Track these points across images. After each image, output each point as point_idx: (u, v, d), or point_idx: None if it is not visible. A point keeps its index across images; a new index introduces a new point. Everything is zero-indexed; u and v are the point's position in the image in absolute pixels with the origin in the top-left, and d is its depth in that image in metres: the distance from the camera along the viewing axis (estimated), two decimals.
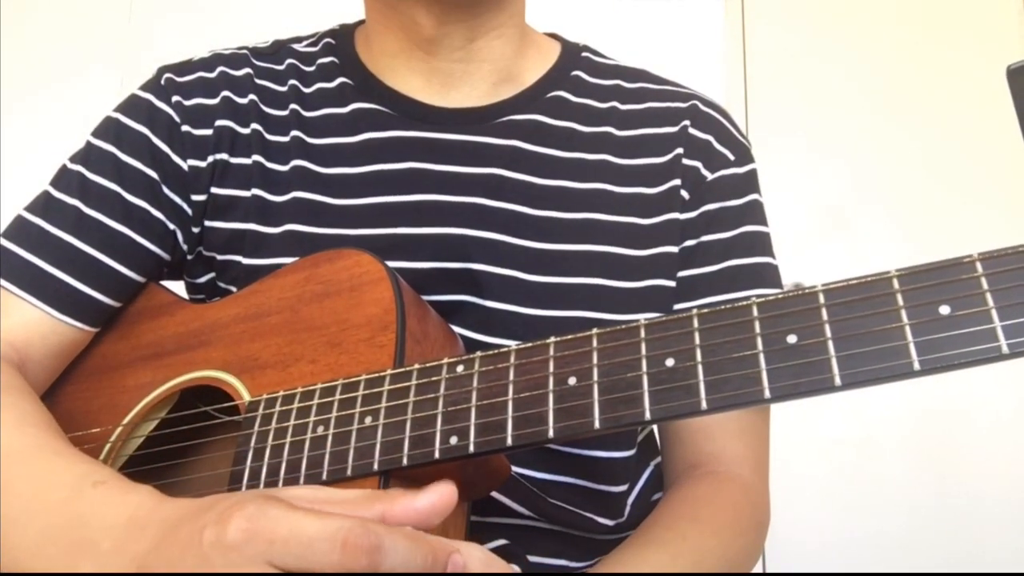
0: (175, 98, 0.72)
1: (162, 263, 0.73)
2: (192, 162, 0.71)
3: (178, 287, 0.74)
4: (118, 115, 0.73)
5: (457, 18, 0.70)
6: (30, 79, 1.98)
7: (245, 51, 0.76)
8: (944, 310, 0.42)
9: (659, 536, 0.63)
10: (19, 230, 0.70)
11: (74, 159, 0.73)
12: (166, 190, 0.71)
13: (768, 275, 0.72)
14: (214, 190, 0.71)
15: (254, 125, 0.72)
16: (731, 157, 0.74)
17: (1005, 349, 0.41)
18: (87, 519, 0.48)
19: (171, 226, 0.72)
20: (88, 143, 0.73)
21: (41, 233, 0.69)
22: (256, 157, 0.71)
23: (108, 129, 0.73)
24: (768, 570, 1.58)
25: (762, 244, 0.73)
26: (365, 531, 0.40)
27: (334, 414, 0.55)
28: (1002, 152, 1.65)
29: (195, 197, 0.71)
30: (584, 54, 0.78)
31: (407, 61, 0.73)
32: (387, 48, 0.74)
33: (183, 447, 0.67)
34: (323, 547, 0.39)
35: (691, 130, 0.73)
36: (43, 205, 0.71)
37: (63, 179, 0.72)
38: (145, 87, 0.74)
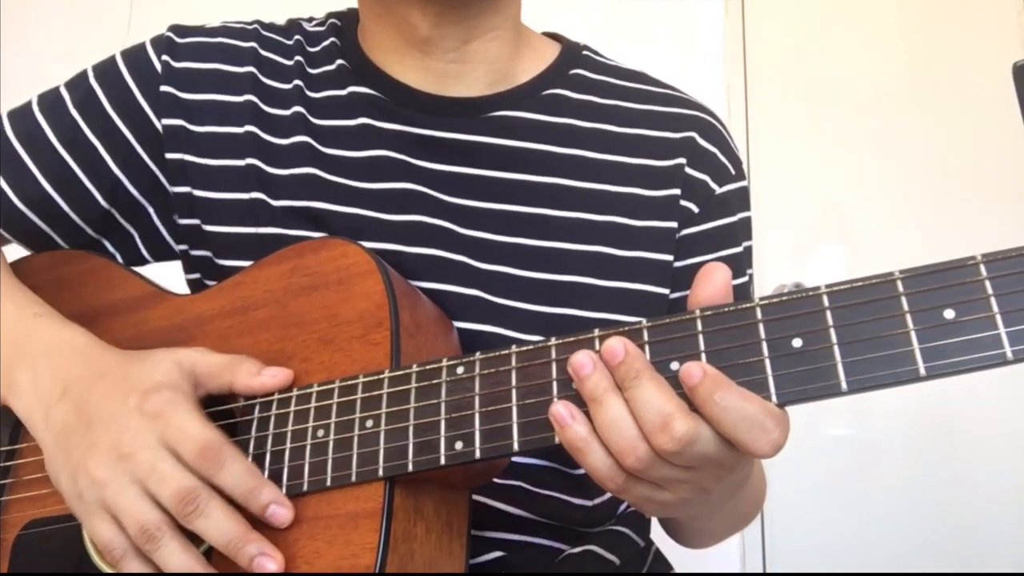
0: (164, 57, 0.72)
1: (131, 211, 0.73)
2: (167, 121, 0.70)
3: (174, 276, 0.73)
4: (118, 56, 0.74)
5: (452, 20, 0.68)
6: (29, 79, 1.91)
7: (256, 25, 0.76)
8: (949, 314, 0.43)
9: None
10: None
11: (68, 83, 0.73)
12: (135, 143, 0.71)
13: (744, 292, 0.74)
14: (192, 158, 0.70)
15: (248, 96, 0.71)
16: (732, 172, 0.74)
17: (1010, 356, 0.41)
18: (26, 340, 0.63)
19: (137, 193, 0.73)
20: (84, 71, 0.74)
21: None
22: (249, 127, 0.70)
23: (105, 67, 0.73)
24: (768, 570, 1.61)
25: (748, 260, 0.75)
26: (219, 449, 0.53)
27: (333, 419, 0.55)
28: (1003, 152, 1.64)
29: (169, 156, 0.70)
30: (585, 52, 0.77)
31: (401, 59, 0.71)
32: (381, 45, 0.72)
33: None
34: (191, 447, 0.53)
35: (699, 140, 0.72)
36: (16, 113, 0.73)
37: (47, 95, 0.73)
38: (152, 38, 0.74)
